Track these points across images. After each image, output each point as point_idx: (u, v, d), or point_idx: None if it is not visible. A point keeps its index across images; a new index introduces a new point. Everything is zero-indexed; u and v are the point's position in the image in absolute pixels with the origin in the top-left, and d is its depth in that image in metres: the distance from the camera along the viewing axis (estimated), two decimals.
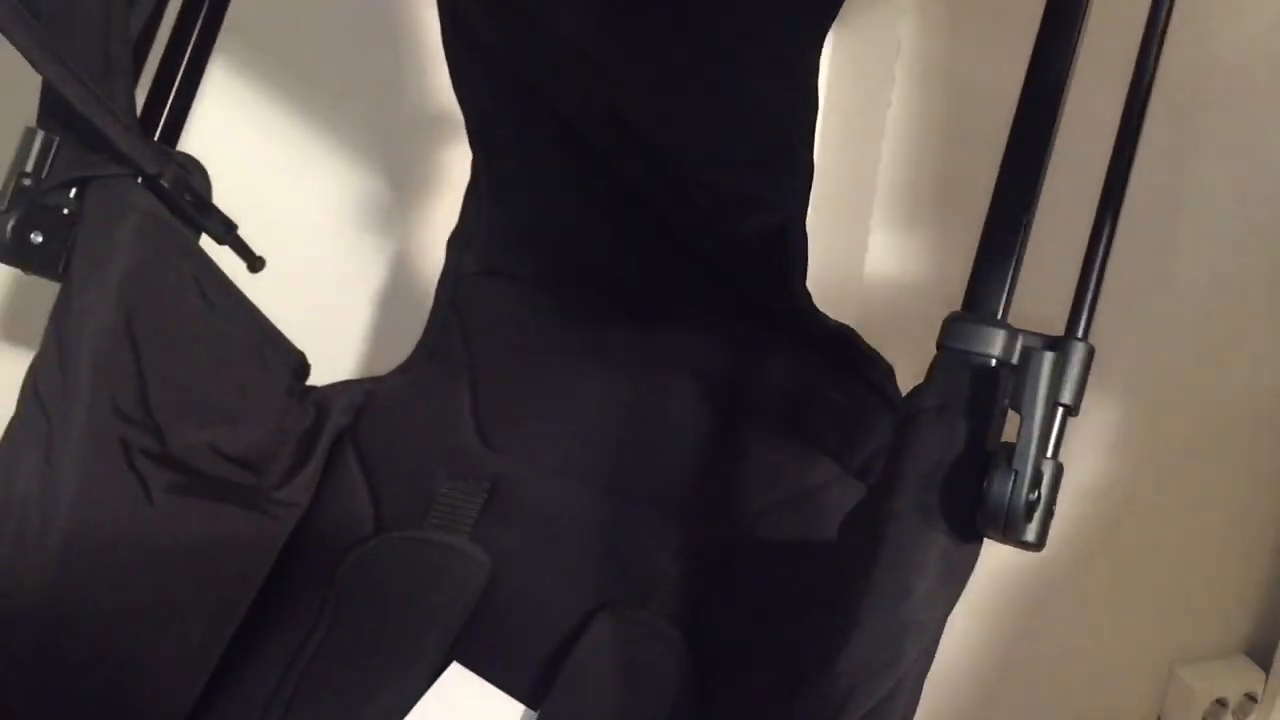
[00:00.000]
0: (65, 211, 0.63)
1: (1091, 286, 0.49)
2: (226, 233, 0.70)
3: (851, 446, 0.71)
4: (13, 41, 0.56)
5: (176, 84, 0.67)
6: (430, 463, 0.76)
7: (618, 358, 0.79)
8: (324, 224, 0.97)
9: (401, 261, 1.00)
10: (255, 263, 0.72)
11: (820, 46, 0.61)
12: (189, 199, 0.66)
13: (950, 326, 0.50)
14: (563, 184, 0.78)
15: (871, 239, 1.01)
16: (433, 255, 0.86)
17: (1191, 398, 1.20)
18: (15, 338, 0.86)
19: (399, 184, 0.98)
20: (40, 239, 0.62)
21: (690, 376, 0.77)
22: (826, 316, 0.73)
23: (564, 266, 0.80)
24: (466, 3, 0.72)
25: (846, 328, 0.73)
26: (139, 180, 0.64)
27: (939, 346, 0.50)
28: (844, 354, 0.72)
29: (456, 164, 0.82)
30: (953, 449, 0.48)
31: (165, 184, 0.64)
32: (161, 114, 0.67)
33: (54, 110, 0.61)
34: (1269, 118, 1.09)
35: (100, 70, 0.60)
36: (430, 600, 0.70)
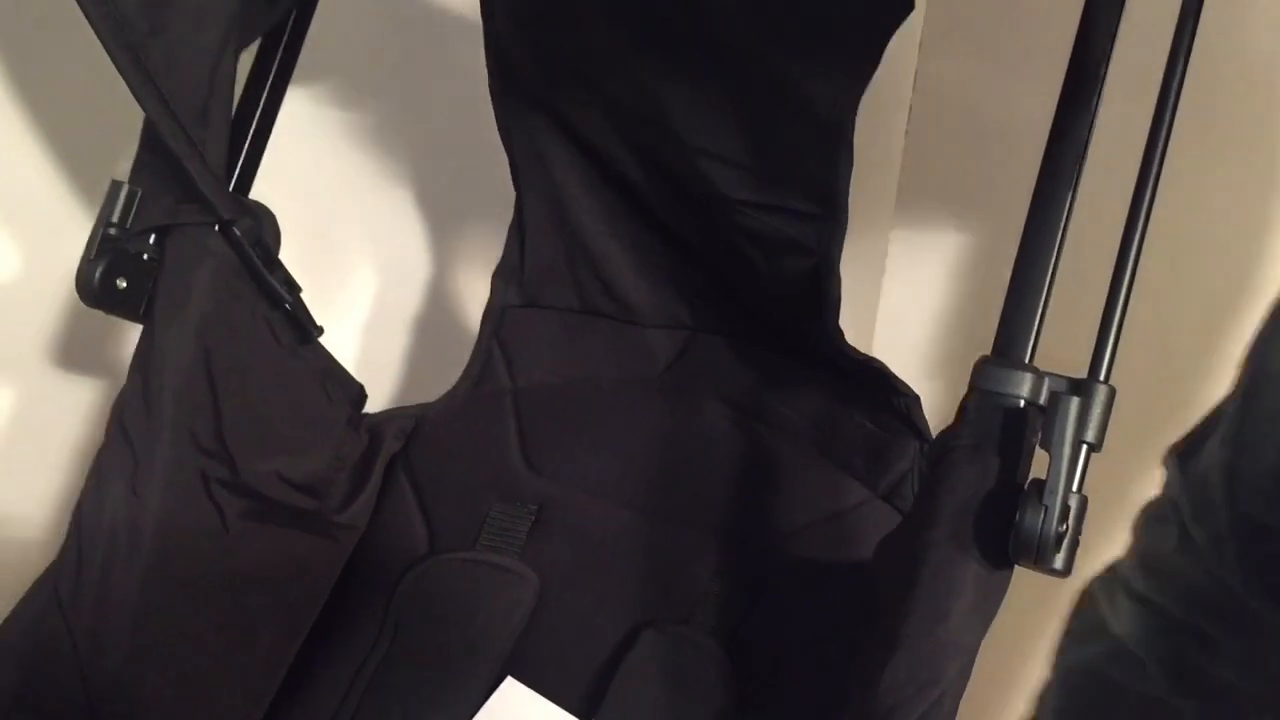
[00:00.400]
0: (146, 257, 0.68)
1: (1113, 332, 0.53)
2: (289, 294, 0.73)
3: (879, 470, 0.76)
4: (122, 74, 0.61)
5: (250, 135, 0.71)
6: (480, 486, 0.81)
7: (654, 385, 0.83)
8: (371, 256, 1.01)
9: (445, 292, 1.04)
10: (313, 331, 0.75)
11: (856, 105, 0.66)
12: (258, 252, 0.70)
13: (981, 369, 0.54)
14: (603, 221, 0.82)
15: (887, 269, 1.05)
16: (473, 286, 0.91)
17: (1206, 403, 1.24)
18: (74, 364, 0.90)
19: (443, 219, 1.02)
20: (124, 284, 0.67)
21: (723, 403, 0.81)
22: (854, 348, 0.78)
23: (603, 299, 0.84)
24: (519, 56, 0.77)
25: (873, 359, 0.77)
26: (215, 228, 0.68)
27: (971, 388, 0.54)
28: (871, 383, 0.77)
29: (500, 200, 0.86)
30: (986, 484, 0.52)
31: (238, 232, 0.69)
32: (236, 164, 0.71)
33: (147, 160, 0.66)
34: None
35: (198, 118, 0.65)
36: (485, 616, 0.75)
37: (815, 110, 0.67)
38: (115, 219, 0.66)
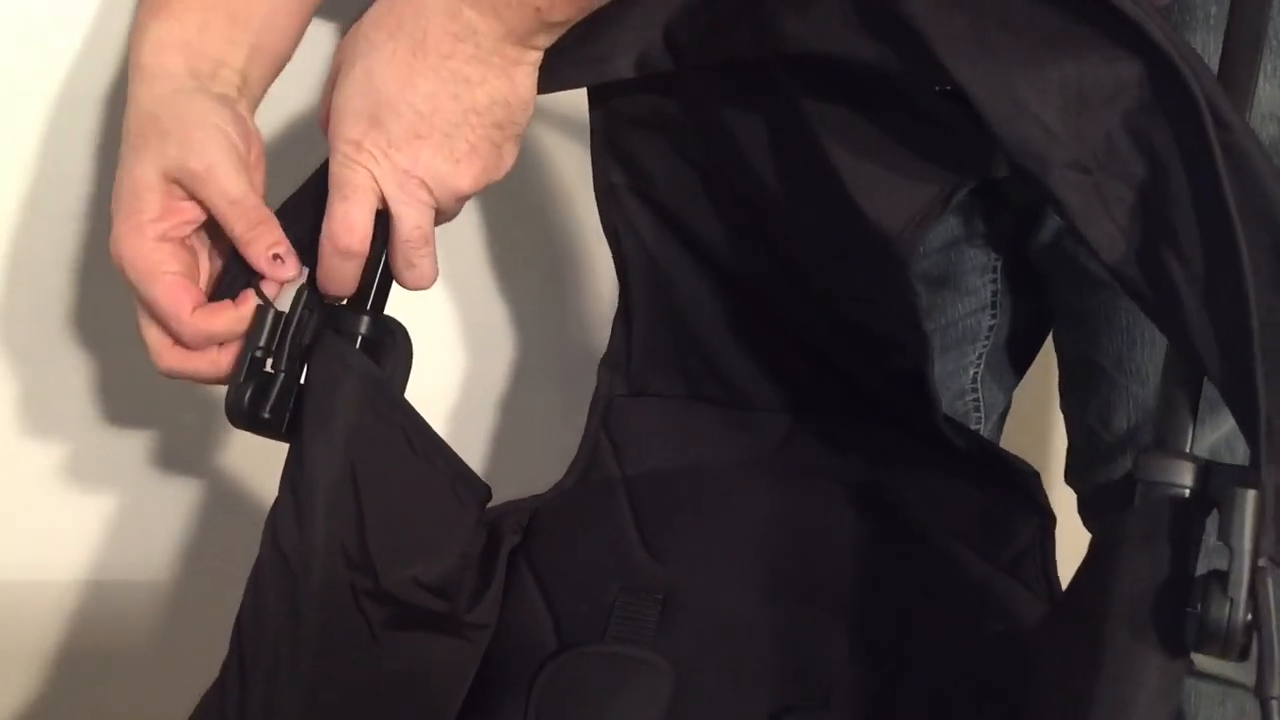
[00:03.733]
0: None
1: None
2: None
3: (998, 545, 0.78)
4: None
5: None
6: (602, 577, 0.82)
7: (766, 469, 0.85)
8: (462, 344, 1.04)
9: (534, 379, 1.07)
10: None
11: (916, 235, 0.72)
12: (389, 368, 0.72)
13: (1145, 461, 0.56)
14: (709, 309, 0.84)
15: None
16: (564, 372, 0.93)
17: None
18: None
19: (548, 311, 1.05)
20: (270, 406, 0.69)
21: (838, 483, 0.83)
22: (964, 426, 0.80)
23: (710, 385, 0.86)
24: (631, 158, 0.79)
25: (984, 438, 0.79)
26: (357, 345, 0.70)
27: (1136, 480, 0.56)
28: (986, 460, 0.79)
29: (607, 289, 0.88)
30: (1159, 575, 0.54)
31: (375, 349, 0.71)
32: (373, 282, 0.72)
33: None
34: None
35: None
36: (623, 710, 0.75)
37: (886, 232, 0.71)
38: (262, 343, 0.68)
